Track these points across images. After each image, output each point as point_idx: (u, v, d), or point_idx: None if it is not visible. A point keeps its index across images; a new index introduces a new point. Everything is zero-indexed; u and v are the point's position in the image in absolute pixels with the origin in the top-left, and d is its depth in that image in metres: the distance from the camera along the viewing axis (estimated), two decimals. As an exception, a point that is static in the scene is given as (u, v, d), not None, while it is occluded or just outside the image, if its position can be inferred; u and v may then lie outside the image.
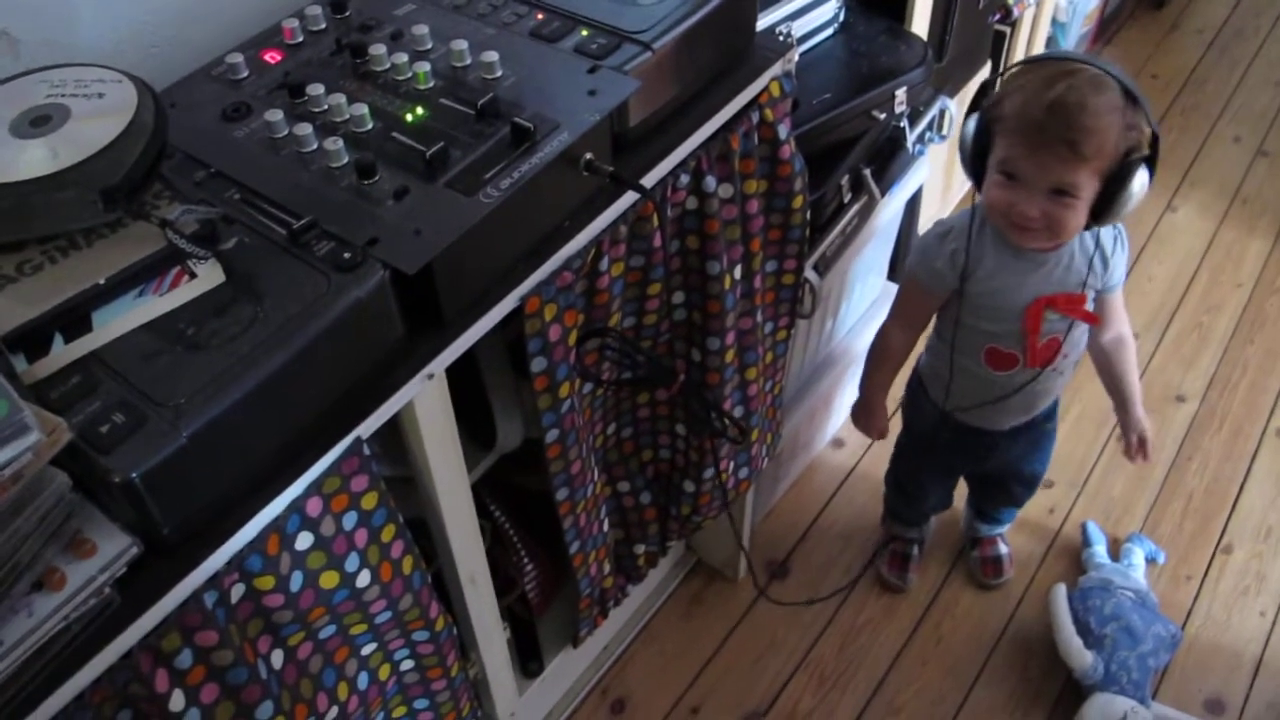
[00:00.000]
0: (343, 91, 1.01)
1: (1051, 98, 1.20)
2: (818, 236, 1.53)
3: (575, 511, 1.24)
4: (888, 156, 1.64)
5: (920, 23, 1.77)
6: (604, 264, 1.06)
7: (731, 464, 1.47)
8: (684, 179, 1.11)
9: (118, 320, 0.81)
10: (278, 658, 0.92)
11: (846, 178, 1.55)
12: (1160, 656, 1.69)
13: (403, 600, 1.01)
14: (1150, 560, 1.88)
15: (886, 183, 1.63)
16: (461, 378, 1.01)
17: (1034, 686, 1.76)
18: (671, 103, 1.08)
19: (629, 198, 1.05)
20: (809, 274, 1.50)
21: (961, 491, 1.88)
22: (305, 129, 0.96)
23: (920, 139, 1.69)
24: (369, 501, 0.91)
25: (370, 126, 0.98)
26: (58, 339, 0.80)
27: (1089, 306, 1.38)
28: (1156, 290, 2.36)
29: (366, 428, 0.89)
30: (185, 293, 0.83)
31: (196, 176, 0.95)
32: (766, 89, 1.16)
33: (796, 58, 1.20)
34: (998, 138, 1.27)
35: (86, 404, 0.76)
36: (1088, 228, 1.30)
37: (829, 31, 1.63)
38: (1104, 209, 1.26)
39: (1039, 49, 2.35)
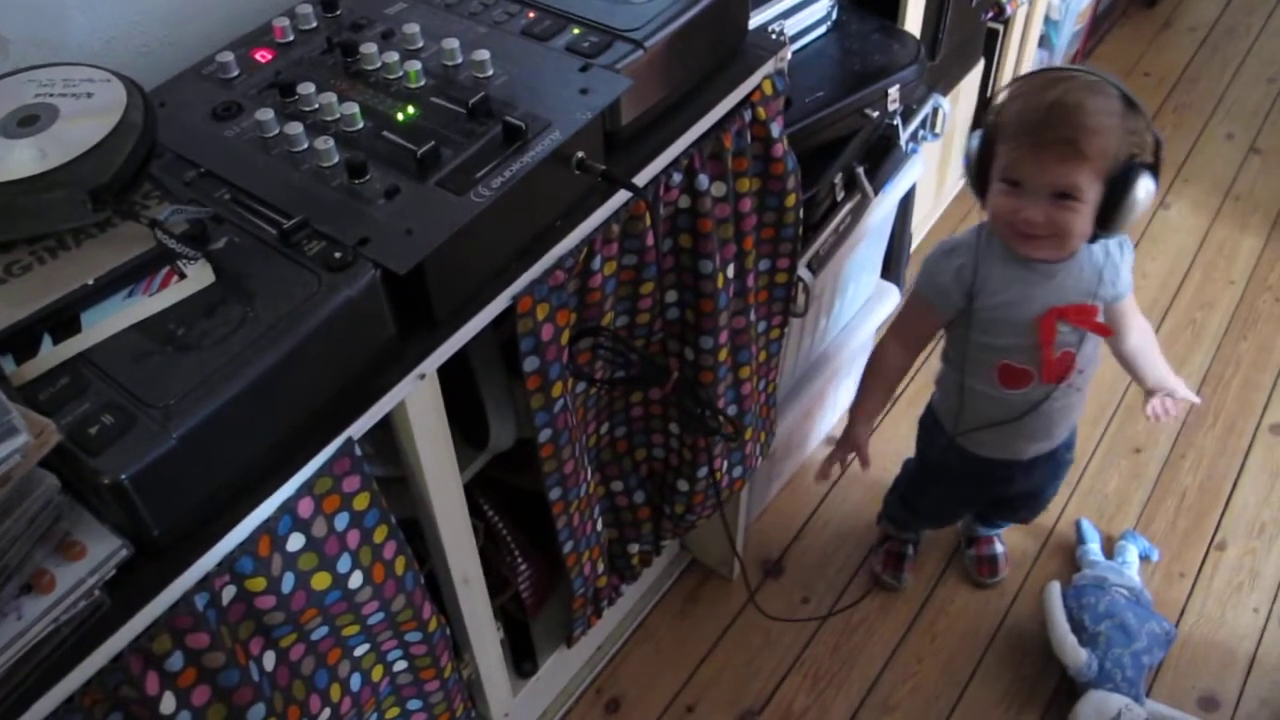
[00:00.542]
0: (334, 90, 1.00)
1: (1050, 99, 1.21)
2: (811, 235, 1.53)
3: (569, 511, 1.24)
4: (881, 155, 1.64)
5: (913, 21, 1.77)
6: (596, 263, 1.06)
7: (725, 463, 1.47)
8: (676, 177, 1.11)
9: (107, 321, 0.81)
10: (270, 659, 0.92)
11: (839, 176, 1.55)
12: (1154, 654, 1.69)
13: (395, 601, 1.01)
14: (1144, 557, 1.88)
15: (880, 181, 1.63)
16: (454, 377, 1.00)
17: (1029, 684, 1.76)
18: (664, 101, 1.08)
19: (621, 196, 1.05)
20: (802, 272, 1.49)
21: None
22: (296, 128, 0.95)
23: (913, 137, 1.68)
24: (361, 502, 0.91)
25: (361, 125, 0.97)
26: (46, 340, 0.79)
27: (1099, 319, 1.38)
28: (1150, 287, 2.37)
29: (358, 428, 0.88)
30: (175, 293, 0.83)
31: (186, 176, 0.95)
32: (759, 87, 1.16)
33: (789, 56, 1.20)
34: (999, 146, 1.27)
35: (75, 405, 0.76)
36: (1095, 238, 1.30)
37: (821, 29, 1.63)
38: (1109, 216, 1.25)
39: (1032, 47, 2.35)
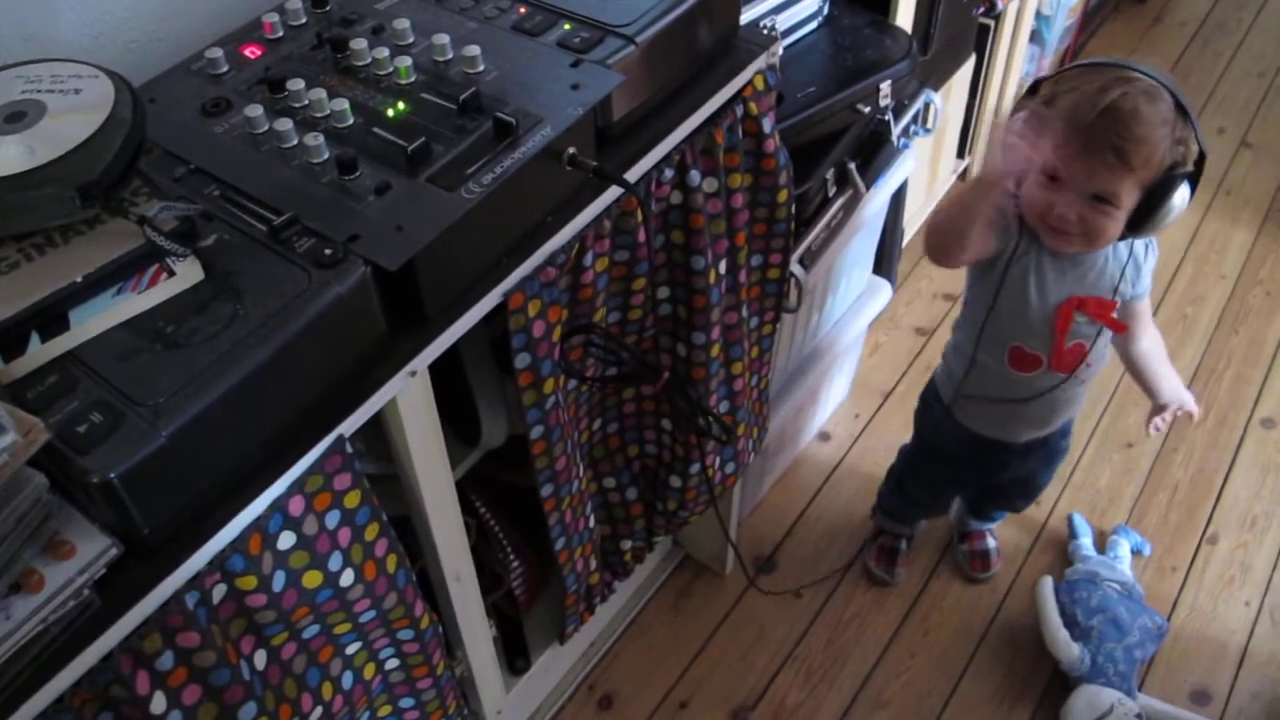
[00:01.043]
0: (323, 86, 1.00)
1: (1106, 103, 1.19)
2: (803, 231, 1.53)
3: (561, 508, 1.24)
4: (872, 150, 1.64)
5: (905, 16, 1.77)
6: (588, 259, 1.05)
7: (718, 459, 1.47)
8: (668, 173, 1.11)
9: (95, 319, 0.80)
10: (261, 658, 0.91)
11: (831, 171, 1.55)
12: (1146, 648, 1.70)
13: (387, 599, 1.00)
14: (1136, 552, 1.89)
15: (871, 176, 1.63)
16: (445, 374, 1.00)
17: (1021, 679, 1.76)
18: (655, 97, 1.08)
19: (613, 192, 1.04)
20: (794, 268, 1.49)
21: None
22: (285, 124, 0.95)
23: (905, 132, 1.68)
24: (352, 500, 0.90)
25: (351, 122, 0.97)
26: (34, 338, 0.79)
27: (1116, 315, 1.38)
28: (1141, 282, 2.37)
29: (349, 425, 0.88)
30: (164, 290, 0.83)
31: (175, 173, 0.94)
32: (751, 83, 1.16)
33: (781, 51, 1.20)
34: (1044, 137, 1.24)
35: (64, 404, 0.75)
36: (1122, 238, 1.29)
37: (813, 25, 1.63)
38: (1142, 221, 1.25)
39: (1023, 42, 2.36)
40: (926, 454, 1.73)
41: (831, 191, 1.58)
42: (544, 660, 1.59)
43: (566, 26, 1.05)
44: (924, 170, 2.25)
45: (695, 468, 1.41)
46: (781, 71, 1.20)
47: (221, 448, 0.80)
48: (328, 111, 0.97)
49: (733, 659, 1.80)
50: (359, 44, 1.03)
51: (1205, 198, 2.57)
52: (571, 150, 0.97)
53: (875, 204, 1.70)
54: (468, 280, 0.95)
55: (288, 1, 1.10)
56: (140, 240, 0.84)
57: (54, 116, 0.85)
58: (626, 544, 1.53)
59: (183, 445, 0.75)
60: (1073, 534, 1.91)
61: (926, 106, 1.71)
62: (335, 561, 0.92)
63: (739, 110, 1.15)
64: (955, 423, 1.56)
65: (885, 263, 1.98)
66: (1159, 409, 1.55)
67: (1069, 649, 1.66)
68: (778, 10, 1.53)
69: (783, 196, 1.26)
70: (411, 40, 1.05)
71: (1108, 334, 1.40)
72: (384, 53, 1.02)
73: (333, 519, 0.90)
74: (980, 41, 2.19)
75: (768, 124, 1.18)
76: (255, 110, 0.97)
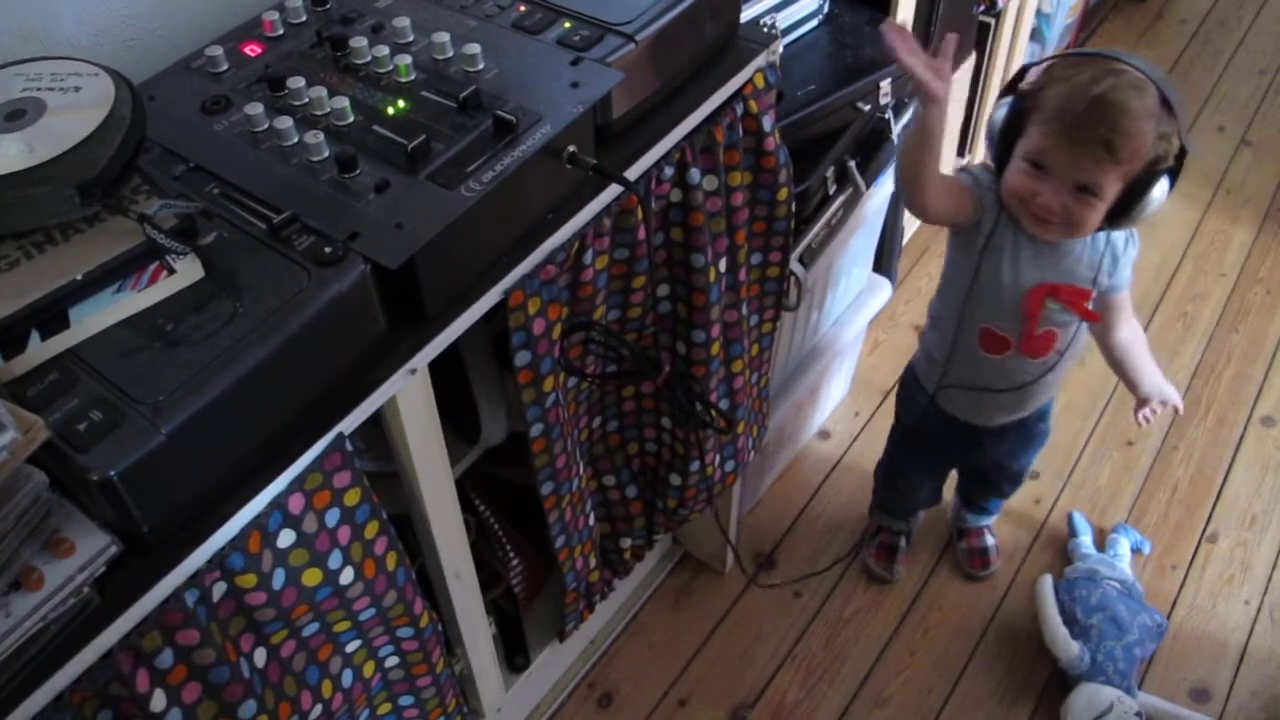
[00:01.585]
0: (323, 84, 1.00)
1: (1095, 94, 1.19)
2: (803, 228, 1.52)
3: (560, 506, 1.24)
4: (872, 148, 1.64)
5: (905, 14, 1.77)
6: (588, 257, 1.05)
7: (718, 457, 1.46)
8: (668, 171, 1.11)
9: (95, 316, 0.80)
10: (260, 656, 0.91)
11: (831, 169, 1.55)
12: (1146, 646, 1.70)
13: (387, 597, 1.00)
14: (1136, 550, 1.89)
15: (871, 174, 1.63)
16: (445, 372, 1.00)
17: (1021, 677, 1.76)
18: (655, 95, 1.08)
19: (612, 190, 1.04)
20: (794, 266, 1.49)
21: (950, 483, 1.88)
22: (285, 122, 0.95)
23: (905, 130, 1.68)
24: (352, 498, 0.90)
25: (351, 120, 0.97)
26: (34, 335, 0.79)
27: (1091, 305, 1.38)
28: (1141, 280, 2.37)
29: (349, 423, 0.88)
30: (164, 288, 0.83)
31: (175, 170, 0.94)
32: (751, 81, 1.16)
33: (781, 49, 1.20)
34: (1031, 126, 1.26)
35: (64, 401, 0.76)
36: (1101, 229, 1.30)
37: (813, 23, 1.63)
38: (1120, 214, 1.26)
39: (1023, 40, 2.35)
40: (907, 437, 1.74)
41: (831, 189, 1.58)
42: (543, 658, 1.59)
43: (566, 24, 1.05)
44: (924, 168, 2.25)
45: (695, 465, 1.41)
46: (781, 69, 1.20)
47: (221, 446, 0.80)
48: (328, 109, 0.97)
49: (732, 657, 1.80)
50: (359, 42, 1.03)
51: (1205, 196, 2.57)
52: (571, 148, 0.97)
53: (875, 202, 1.70)
54: (468, 278, 0.95)
55: (287, 0, 1.10)
56: (140, 238, 0.84)
57: (54, 114, 0.85)
58: (626, 542, 1.53)
59: (182, 443, 0.75)
60: (1072, 532, 1.91)
61: (926, 104, 1.71)
62: (335, 559, 0.92)
63: (739, 108, 1.15)
64: (936, 408, 1.57)
65: (885, 261, 1.98)
66: (1141, 403, 1.55)
67: (1069, 647, 1.66)
68: (778, 8, 1.53)
69: (783, 194, 1.26)
70: (411, 38, 1.05)
71: (1082, 326, 1.40)
72: (384, 51, 1.02)
73: (332, 517, 0.90)
74: (980, 39, 2.18)
75: (768, 122, 1.18)
76: (255, 108, 0.97)
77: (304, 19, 1.10)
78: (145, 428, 0.74)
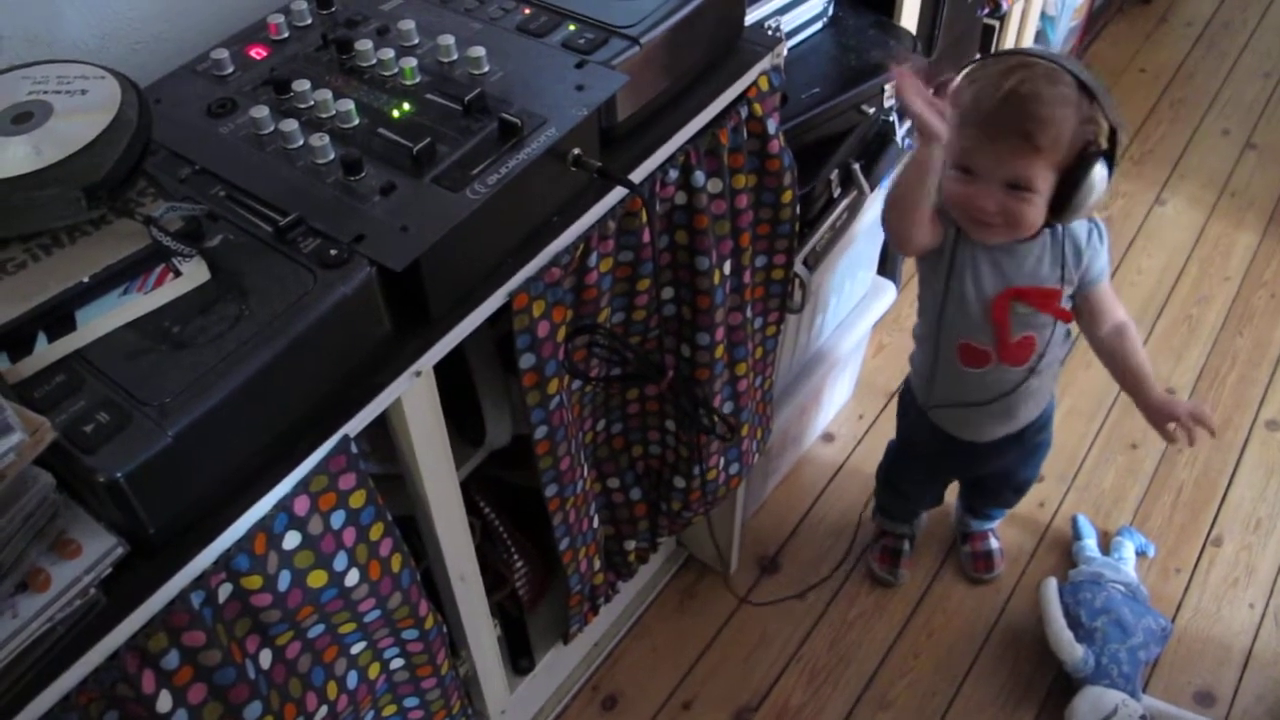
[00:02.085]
0: (329, 87, 1.00)
1: (1005, 89, 1.20)
2: (807, 231, 1.52)
3: (565, 508, 1.24)
4: (877, 151, 1.64)
5: (909, 17, 1.77)
6: (592, 260, 1.05)
7: (722, 460, 1.46)
8: (673, 174, 1.11)
9: (102, 319, 0.81)
10: (266, 657, 0.91)
11: (836, 172, 1.55)
12: (1151, 649, 1.70)
13: (392, 599, 1.00)
14: (1140, 553, 1.89)
15: (876, 178, 1.63)
16: (450, 374, 1.00)
17: (1025, 680, 1.76)
18: (660, 97, 1.08)
19: (617, 193, 1.04)
20: (799, 269, 1.49)
21: (953, 486, 1.88)
22: (291, 125, 0.95)
23: (909, 133, 1.68)
24: (357, 500, 0.91)
25: (356, 122, 0.97)
26: (41, 338, 0.79)
27: (1064, 304, 1.37)
28: (1145, 283, 2.37)
29: (354, 426, 0.88)
30: (170, 290, 0.83)
31: (181, 173, 0.95)
32: (755, 83, 1.16)
33: (785, 52, 1.20)
34: (954, 131, 1.25)
35: (70, 403, 0.76)
36: (1049, 224, 1.29)
37: (817, 26, 1.63)
38: (1062, 204, 1.26)
39: (1028, 43, 2.36)
40: (907, 450, 1.74)
41: (836, 192, 1.58)
42: (548, 660, 1.59)
43: (571, 27, 1.05)
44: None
45: (699, 469, 1.41)
46: (786, 72, 1.20)
47: (227, 447, 0.80)
48: (333, 112, 0.98)
49: (736, 660, 1.80)
50: (364, 45, 1.03)
51: (1210, 199, 2.57)
52: (576, 151, 0.97)
53: (879, 205, 1.70)
54: (472, 280, 0.95)
55: (293, 2, 1.10)
56: (146, 241, 0.84)
57: (60, 117, 0.85)
58: (630, 544, 1.53)
59: (188, 445, 0.75)
60: (1077, 535, 1.91)
61: (931, 107, 1.71)
62: (340, 561, 0.92)
63: (744, 111, 1.15)
64: (930, 424, 1.57)
65: (890, 263, 1.98)
66: (1160, 416, 1.45)
67: (1073, 650, 1.66)
68: (782, 11, 1.53)
69: (787, 197, 1.26)
70: (416, 41, 1.05)
71: (1063, 325, 1.40)
72: (389, 53, 1.02)
73: (338, 519, 0.90)
74: (985, 42, 2.18)
75: (772, 125, 1.19)
76: (261, 111, 0.97)
77: (309, 22, 1.10)
78: (151, 429, 0.74)
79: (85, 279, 0.81)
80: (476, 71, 1.01)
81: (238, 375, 0.78)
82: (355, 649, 1.03)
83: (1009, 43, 2.26)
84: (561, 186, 1.00)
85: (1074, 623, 1.69)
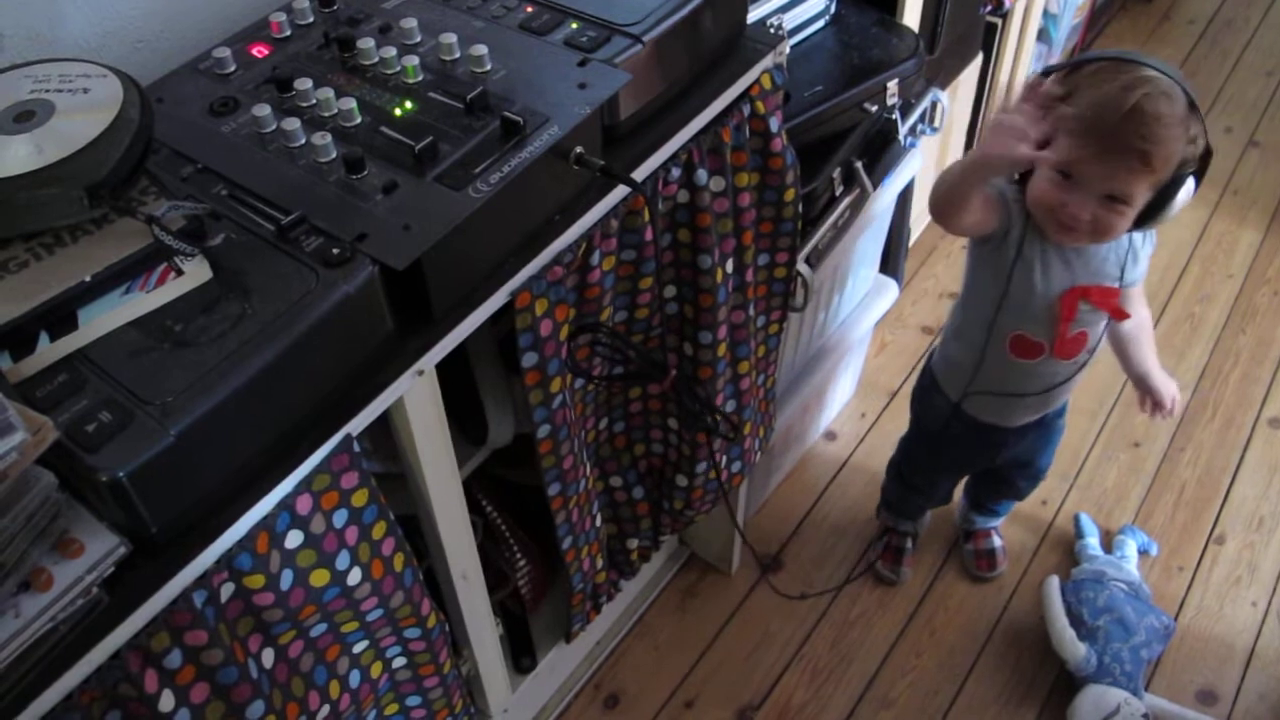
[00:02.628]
0: (331, 85, 1.00)
1: (1129, 104, 1.17)
2: (810, 229, 1.52)
3: (567, 507, 1.24)
4: (880, 149, 1.64)
5: (912, 15, 1.76)
6: (595, 258, 1.05)
7: (724, 458, 1.46)
8: (675, 172, 1.11)
9: (104, 317, 0.81)
10: (268, 656, 0.91)
11: (838, 170, 1.55)
12: (1153, 648, 1.70)
13: (394, 597, 1.00)
14: (1143, 552, 1.88)
15: (878, 175, 1.63)
16: (452, 373, 1.00)
17: (1027, 678, 1.76)
18: (662, 95, 1.08)
19: (620, 191, 1.04)
20: (801, 267, 1.49)
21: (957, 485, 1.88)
22: (293, 123, 0.95)
23: (912, 131, 1.68)
24: (359, 499, 0.90)
25: (358, 121, 0.97)
26: (43, 337, 0.79)
27: (1118, 302, 1.37)
28: (1148, 281, 2.32)
29: (356, 425, 0.88)
30: (172, 289, 0.83)
31: (183, 172, 0.94)
32: (758, 81, 1.16)
33: (788, 50, 1.19)
34: (1060, 135, 1.22)
35: (73, 402, 0.76)
36: (1129, 232, 1.29)
37: (820, 24, 1.63)
38: (1148, 217, 1.25)
39: (1030, 41, 2.35)
40: (925, 440, 1.73)
41: (838, 190, 1.58)
42: (550, 659, 1.59)
43: (574, 25, 1.05)
44: (931, 169, 2.24)
45: (701, 467, 1.41)
46: (788, 70, 1.20)
47: (229, 446, 0.80)
48: (335, 111, 0.97)
49: (738, 658, 1.80)
50: (366, 43, 1.03)
51: (1213, 197, 2.56)
52: (578, 149, 0.97)
53: (882, 203, 1.70)
54: (475, 279, 0.95)
55: (295, 1, 1.10)
56: (148, 239, 0.84)
57: (62, 116, 0.85)
58: (633, 543, 1.53)
59: (191, 444, 0.75)
60: (1079, 533, 1.91)
61: (934, 105, 1.71)
62: (342, 560, 0.92)
63: (746, 109, 1.15)
64: (956, 411, 1.56)
65: (892, 262, 1.98)
66: (1154, 393, 1.55)
67: (1075, 648, 1.66)
68: (785, 9, 1.53)
69: (789, 195, 1.26)
70: (419, 39, 1.05)
71: (1106, 319, 1.40)
72: (391, 52, 1.02)
73: (340, 518, 0.90)
74: (987, 40, 2.18)
75: (775, 123, 1.18)
76: (263, 109, 0.97)
77: (311, 20, 1.10)
78: (154, 429, 0.74)
79: (87, 278, 0.81)
80: (479, 70, 1.01)
81: (240, 374, 0.78)
82: (358, 648, 1.03)
83: (1011, 41, 2.26)
84: (564, 185, 1.00)
85: (1076, 621, 1.69)
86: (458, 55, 1.02)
